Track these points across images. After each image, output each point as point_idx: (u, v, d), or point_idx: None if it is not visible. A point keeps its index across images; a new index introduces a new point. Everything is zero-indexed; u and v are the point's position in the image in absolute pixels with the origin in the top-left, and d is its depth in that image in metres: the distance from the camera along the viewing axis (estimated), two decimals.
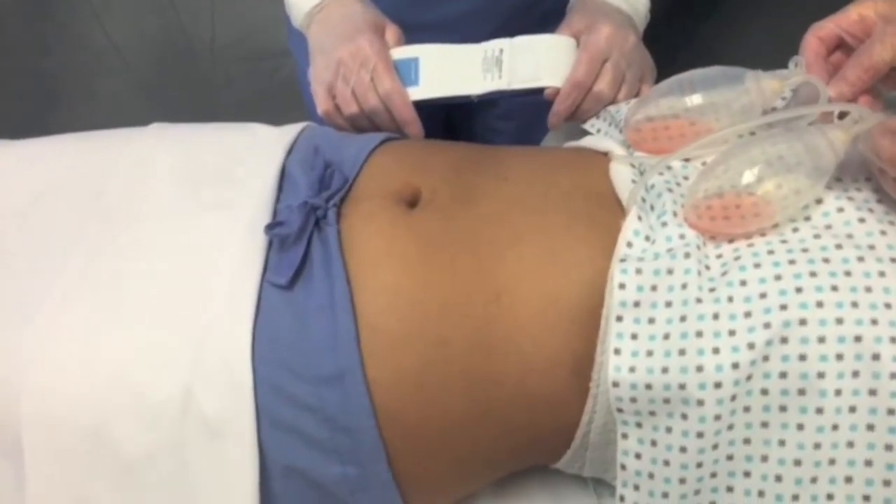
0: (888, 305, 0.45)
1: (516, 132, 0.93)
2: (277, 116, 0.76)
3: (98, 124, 0.72)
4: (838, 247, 0.47)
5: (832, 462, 0.45)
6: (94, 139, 0.67)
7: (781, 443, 0.45)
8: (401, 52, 0.70)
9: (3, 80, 1.53)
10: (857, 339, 0.44)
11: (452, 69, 0.69)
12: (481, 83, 0.69)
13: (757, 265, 0.47)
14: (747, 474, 0.46)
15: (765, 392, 0.45)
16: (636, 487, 0.49)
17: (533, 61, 0.68)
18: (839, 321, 0.44)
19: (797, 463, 0.45)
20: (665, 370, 0.46)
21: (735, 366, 0.45)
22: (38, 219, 0.59)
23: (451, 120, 0.97)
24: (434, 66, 0.69)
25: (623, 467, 0.49)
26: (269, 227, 0.55)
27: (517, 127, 0.93)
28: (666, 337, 0.47)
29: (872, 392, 0.44)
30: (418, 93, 0.69)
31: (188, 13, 1.52)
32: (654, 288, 0.48)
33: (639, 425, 0.48)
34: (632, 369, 0.47)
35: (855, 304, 0.45)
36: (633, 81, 0.68)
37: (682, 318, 0.47)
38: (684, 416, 0.46)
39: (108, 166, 0.62)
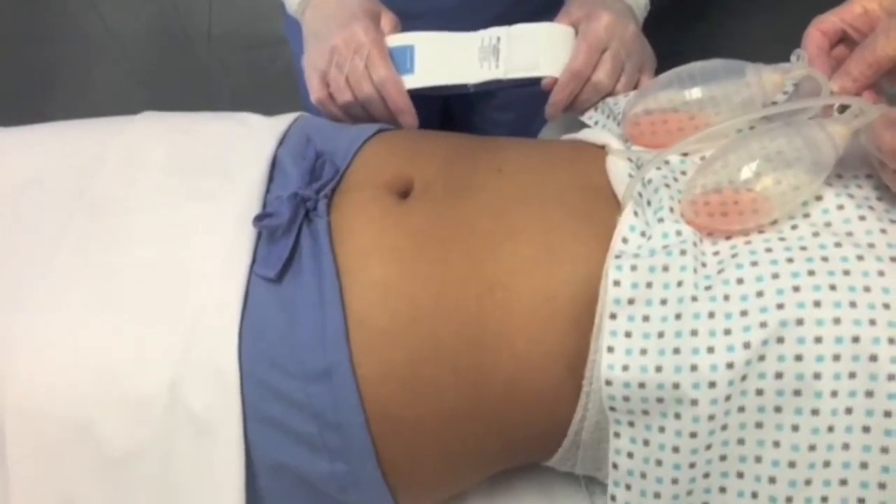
0: (886, 306, 0.44)
1: (514, 123, 0.93)
2: (274, 105, 0.75)
3: (94, 112, 0.71)
4: (837, 245, 0.46)
5: (827, 464, 0.44)
6: (84, 128, 0.66)
7: (776, 444, 0.45)
8: (396, 40, 0.69)
9: None
10: (855, 339, 0.43)
11: (448, 57, 0.68)
12: (477, 72, 0.68)
13: (754, 263, 0.46)
14: (741, 475, 0.46)
15: (760, 392, 0.44)
16: (628, 487, 0.48)
17: (530, 50, 0.67)
18: (837, 321, 0.44)
19: (791, 465, 0.44)
20: (659, 369, 0.45)
21: (730, 365, 0.44)
22: (26, 208, 0.58)
23: (448, 111, 0.96)
24: (430, 53, 0.68)
25: (615, 466, 0.48)
26: (258, 219, 0.54)
27: (515, 118, 0.92)
28: (660, 335, 0.46)
29: (869, 394, 0.43)
30: (413, 81, 0.68)
31: (185, 1, 1.51)
32: (649, 285, 0.47)
33: (631, 424, 0.47)
34: (625, 367, 0.46)
35: (853, 304, 0.44)
36: (633, 71, 0.67)
37: (678, 317, 0.46)
38: (678, 416, 0.45)
39: (97, 156, 0.61)
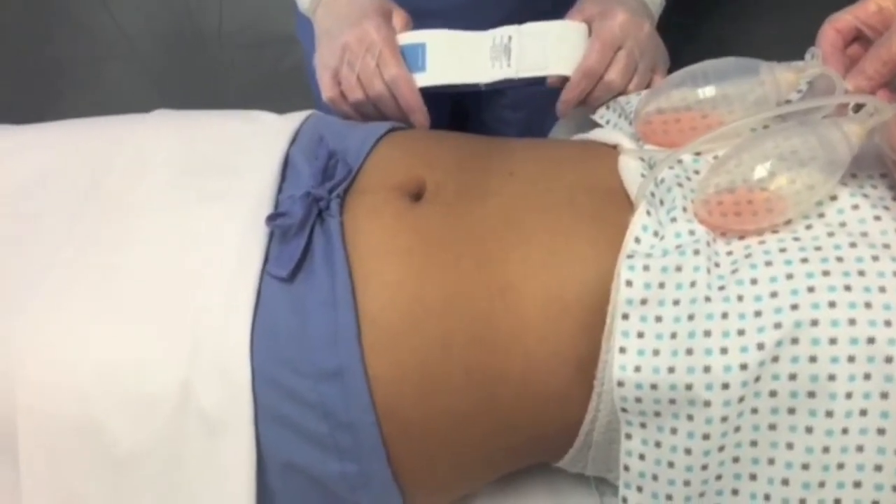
0: None
1: (526, 121, 0.92)
2: (284, 103, 0.75)
3: (104, 110, 0.71)
4: (852, 245, 0.46)
5: (841, 466, 0.44)
6: (94, 126, 0.66)
7: (789, 446, 0.44)
8: (407, 38, 0.68)
9: (8, 65, 1.52)
10: (870, 340, 0.43)
11: (460, 56, 0.68)
12: (489, 71, 0.68)
13: (768, 263, 0.46)
14: (753, 477, 0.45)
15: (773, 394, 0.44)
16: (639, 489, 0.48)
17: (542, 48, 0.67)
18: (852, 322, 0.43)
19: (805, 467, 0.44)
20: (671, 370, 0.45)
21: (743, 366, 0.44)
22: (34, 206, 0.58)
23: (460, 109, 0.96)
24: (441, 52, 0.68)
25: (626, 468, 0.48)
26: (271, 218, 0.54)
27: (527, 116, 0.92)
28: (673, 336, 0.46)
29: (884, 395, 0.43)
30: (425, 79, 0.67)
31: None
32: (661, 285, 0.47)
33: (643, 426, 0.47)
34: (637, 368, 0.46)
35: (868, 305, 0.43)
36: (645, 71, 0.67)
37: (690, 317, 0.46)
38: (690, 417, 0.45)
39: (106, 154, 0.61)
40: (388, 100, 0.67)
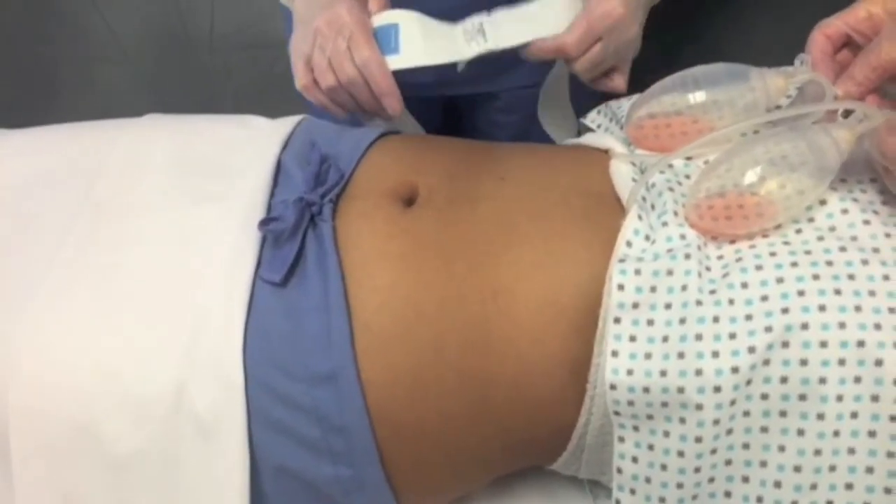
0: (892, 310, 0.44)
1: (517, 125, 0.92)
2: (276, 107, 0.75)
3: (96, 113, 0.71)
4: (842, 249, 0.46)
5: (832, 469, 0.44)
6: (88, 130, 0.66)
7: (781, 448, 0.45)
8: (381, 19, 0.66)
9: (1, 67, 1.52)
10: (860, 343, 0.43)
11: (434, 37, 0.66)
12: (465, 49, 0.66)
13: (759, 267, 0.46)
14: (746, 480, 0.46)
15: (765, 397, 0.44)
16: (632, 491, 0.48)
17: (517, 26, 0.65)
18: (842, 325, 0.44)
19: (797, 469, 0.44)
20: (663, 373, 0.45)
21: (735, 370, 0.44)
22: (30, 209, 0.58)
23: (451, 113, 0.96)
24: (415, 32, 0.65)
25: (619, 471, 0.48)
26: (263, 223, 0.54)
27: (518, 120, 0.92)
28: (665, 339, 0.46)
29: (874, 398, 0.43)
30: (398, 61, 0.64)
31: (187, 2, 1.51)
32: (653, 289, 0.47)
33: (636, 429, 0.47)
34: (629, 372, 0.46)
35: (858, 308, 0.44)
36: (602, 70, 0.66)
37: (682, 321, 0.46)
38: (682, 421, 0.45)
39: (101, 158, 0.61)
40: (361, 85, 0.64)
